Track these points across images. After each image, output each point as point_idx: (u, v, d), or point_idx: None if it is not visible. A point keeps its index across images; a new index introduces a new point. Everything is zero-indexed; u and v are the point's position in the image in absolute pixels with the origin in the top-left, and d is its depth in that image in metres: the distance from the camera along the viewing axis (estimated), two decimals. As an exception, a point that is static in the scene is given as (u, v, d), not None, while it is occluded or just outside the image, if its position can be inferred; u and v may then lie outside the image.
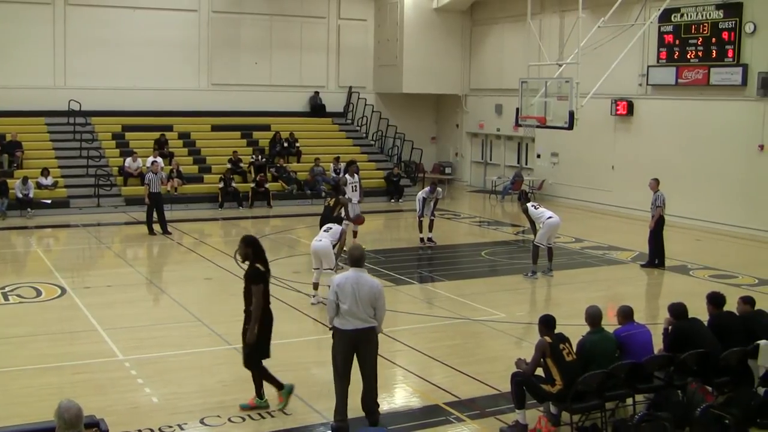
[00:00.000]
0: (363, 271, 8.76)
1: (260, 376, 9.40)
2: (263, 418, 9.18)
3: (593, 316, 9.03)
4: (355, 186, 19.16)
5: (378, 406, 8.99)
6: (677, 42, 23.81)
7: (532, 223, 16.98)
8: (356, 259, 8.83)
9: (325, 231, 14.49)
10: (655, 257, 17.87)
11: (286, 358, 11.48)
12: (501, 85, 30.15)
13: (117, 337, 12.20)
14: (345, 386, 8.83)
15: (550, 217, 16.48)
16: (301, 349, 12.07)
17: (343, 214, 17.16)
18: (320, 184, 27.57)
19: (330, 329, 8.99)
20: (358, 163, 21.84)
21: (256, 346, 9.17)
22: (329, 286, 14.00)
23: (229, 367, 11.10)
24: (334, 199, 17.92)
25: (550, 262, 16.86)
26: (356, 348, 8.77)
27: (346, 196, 18.85)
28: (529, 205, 17.00)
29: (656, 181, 17.91)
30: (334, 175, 28.01)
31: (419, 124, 33.77)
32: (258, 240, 9.45)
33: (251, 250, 9.21)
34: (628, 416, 9.02)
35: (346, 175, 19.39)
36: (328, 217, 17.13)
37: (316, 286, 14.27)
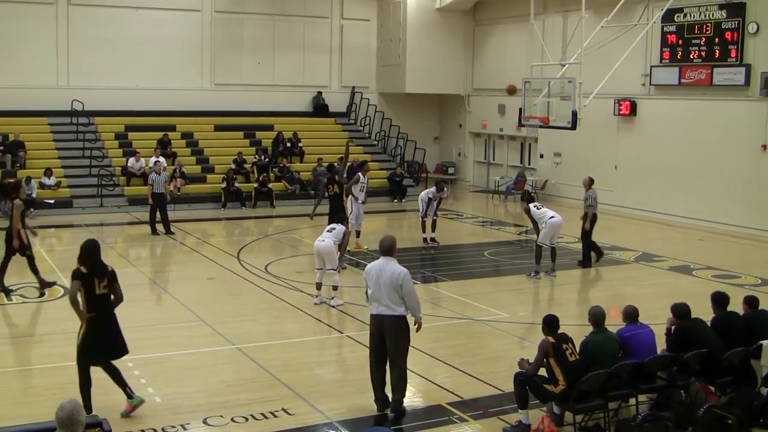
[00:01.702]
0: (391, 260, 9.15)
1: (112, 377, 9.41)
2: (266, 418, 9.18)
3: (596, 317, 9.03)
4: (363, 186, 19.16)
5: (400, 396, 9.29)
6: (680, 42, 23.79)
7: (535, 223, 16.98)
8: (385, 249, 9.24)
9: (328, 231, 14.47)
10: (590, 255, 17.89)
11: (289, 358, 11.49)
12: (504, 85, 30.15)
13: (120, 337, 12.19)
14: (377, 370, 9.31)
15: (552, 217, 16.49)
16: (304, 349, 12.07)
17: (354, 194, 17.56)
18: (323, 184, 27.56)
19: None
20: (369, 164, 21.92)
21: (81, 346, 9.17)
22: (332, 287, 14.14)
23: (232, 366, 11.12)
24: (336, 185, 17.85)
25: (553, 262, 16.86)
26: (383, 334, 9.15)
27: (354, 195, 18.90)
28: (531, 205, 16.97)
29: (590, 180, 17.98)
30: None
31: (422, 124, 33.76)
32: (90, 246, 9.29)
33: (79, 252, 9.32)
34: (631, 416, 9.03)
35: (359, 174, 19.39)
36: (336, 208, 17.11)
37: (318, 286, 14.28)
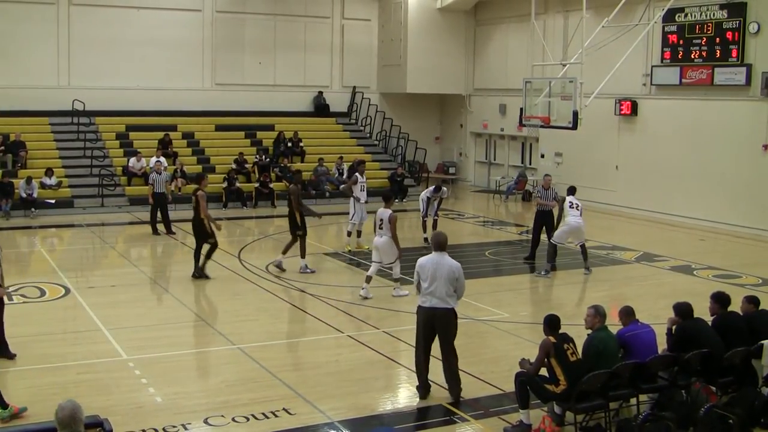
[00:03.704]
0: (445, 255, 9.66)
1: None
2: (267, 418, 9.18)
3: (604, 315, 9.01)
4: (363, 186, 19.12)
5: (458, 381, 9.76)
6: (681, 42, 23.78)
7: (558, 219, 17.05)
8: (440, 244, 9.76)
9: (380, 228, 14.73)
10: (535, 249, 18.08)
11: (290, 357, 11.50)
12: (505, 85, 30.15)
13: (121, 337, 12.21)
14: (425, 361, 9.80)
15: (575, 219, 16.61)
16: (305, 348, 12.07)
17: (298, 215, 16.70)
18: (324, 184, 27.61)
19: None
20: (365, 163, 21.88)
21: None
22: (394, 279, 14.55)
23: (233, 366, 11.12)
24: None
25: (552, 261, 16.93)
26: (434, 326, 9.62)
27: (355, 195, 18.91)
28: (569, 198, 16.96)
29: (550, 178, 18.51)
30: (338, 174, 28.07)
31: (423, 124, 33.75)
32: None
33: None
34: (632, 416, 9.02)
35: (356, 174, 19.37)
36: (290, 216, 16.81)
37: (368, 279, 14.72)
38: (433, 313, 9.55)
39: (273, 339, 12.46)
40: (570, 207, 16.86)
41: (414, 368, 10.02)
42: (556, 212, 17.52)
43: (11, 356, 10.86)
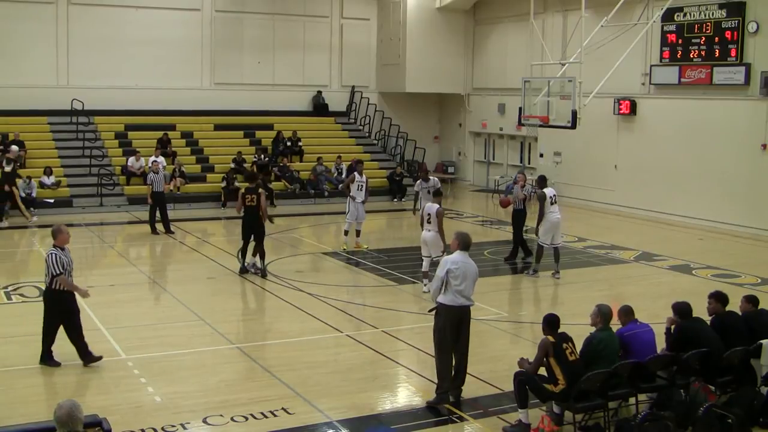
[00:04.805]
0: (468, 255, 9.77)
1: None
2: (266, 417, 9.18)
3: (606, 315, 9.00)
4: (362, 185, 19.04)
5: (463, 381, 9.75)
6: (680, 41, 23.78)
7: (541, 215, 16.64)
8: (467, 245, 9.86)
9: (428, 222, 14.98)
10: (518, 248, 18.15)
11: (288, 357, 11.49)
12: (504, 85, 30.14)
13: (120, 337, 12.21)
14: (449, 361, 9.65)
15: (555, 215, 16.41)
16: (304, 348, 12.05)
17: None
18: (323, 184, 27.61)
19: (430, 310, 9.97)
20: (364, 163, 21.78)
21: None
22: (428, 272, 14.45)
23: (232, 366, 11.12)
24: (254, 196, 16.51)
25: (556, 263, 16.70)
26: (459, 324, 9.64)
27: (351, 194, 18.81)
28: (548, 192, 16.52)
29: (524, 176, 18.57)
30: (336, 174, 28.08)
31: (422, 124, 33.75)
32: None
33: None
34: (631, 416, 9.03)
35: (355, 173, 19.29)
36: (249, 220, 16.39)
37: (425, 275, 14.83)
38: (463, 311, 9.63)
39: (272, 338, 12.45)
40: (551, 203, 16.49)
41: (411, 369, 10.00)
42: (536, 207, 17.03)
43: (96, 359, 10.84)
